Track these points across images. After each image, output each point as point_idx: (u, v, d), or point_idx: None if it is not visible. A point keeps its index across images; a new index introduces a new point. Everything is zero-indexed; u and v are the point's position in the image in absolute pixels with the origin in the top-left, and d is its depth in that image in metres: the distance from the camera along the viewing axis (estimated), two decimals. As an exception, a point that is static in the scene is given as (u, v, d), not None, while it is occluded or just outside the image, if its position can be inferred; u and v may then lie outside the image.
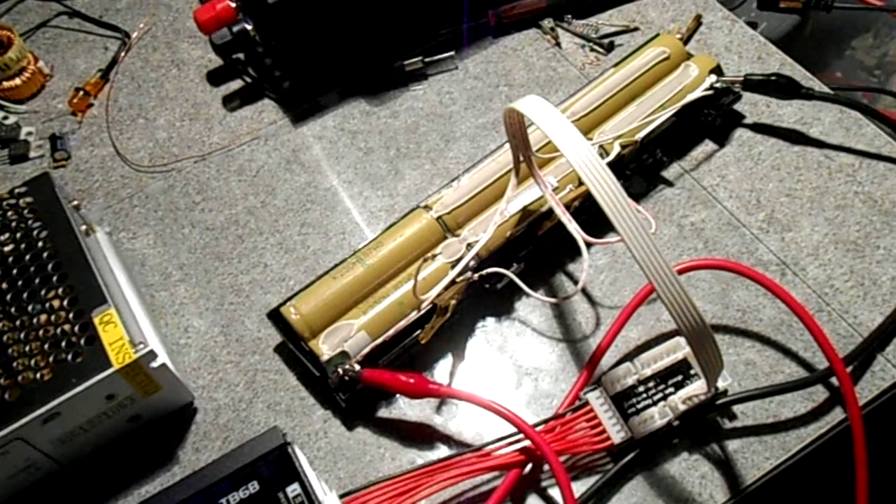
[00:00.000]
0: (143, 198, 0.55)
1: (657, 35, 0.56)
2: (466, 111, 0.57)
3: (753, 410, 0.43)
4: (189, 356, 0.48)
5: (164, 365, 0.42)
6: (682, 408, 0.41)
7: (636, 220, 0.35)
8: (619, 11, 0.61)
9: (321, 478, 0.42)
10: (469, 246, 0.46)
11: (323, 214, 0.53)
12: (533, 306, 0.48)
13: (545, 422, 0.42)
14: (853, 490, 0.40)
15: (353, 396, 0.44)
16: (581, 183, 0.47)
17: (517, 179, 0.48)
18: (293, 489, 0.38)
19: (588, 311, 0.48)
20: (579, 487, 0.41)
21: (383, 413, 0.45)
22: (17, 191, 0.47)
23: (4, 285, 0.43)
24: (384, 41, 0.59)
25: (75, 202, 0.49)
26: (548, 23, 0.61)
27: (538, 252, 0.48)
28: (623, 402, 0.42)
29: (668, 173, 0.53)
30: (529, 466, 0.42)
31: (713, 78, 0.52)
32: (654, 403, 0.42)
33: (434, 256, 0.46)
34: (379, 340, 0.44)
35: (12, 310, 0.42)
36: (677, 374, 0.43)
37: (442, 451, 0.44)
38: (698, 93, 0.51)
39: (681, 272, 0.45)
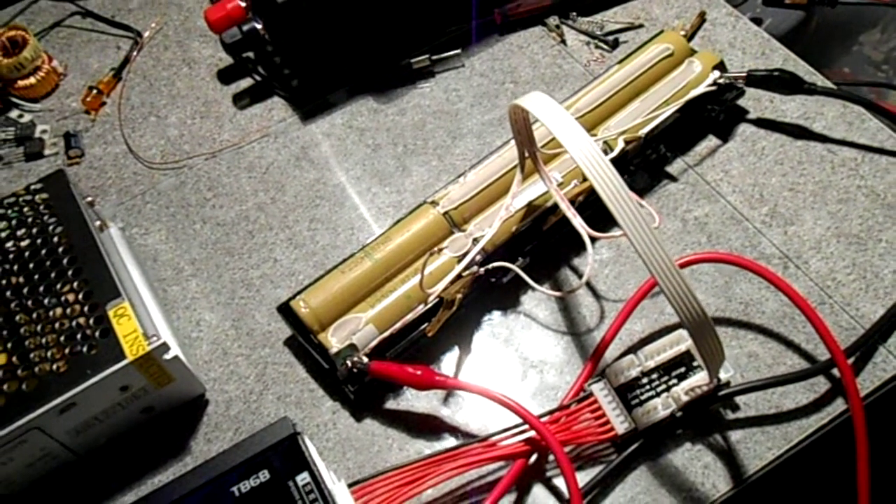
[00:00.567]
0: (156, 194, 0.56)
1: (661, 32, 0.56)
2: (473, 108, 0.58)
3: (756, 401, 0.44)
4: (201, 349, 0.49)
5: (176, 357, 0.43)
6: (685, 399, 0.42)
7: (638, 214, 0.35)
8: (623, 8, 0.62)
9: (330, 468, 0.43)
10: (475, 241, 0.47)
11: (332, 210, 0.54)
12: (538, 300, 0.49)
13: (550, 413, 0.43)
14: (854, 480, 0.40)
15: (361, 388, 0.45)
16: (585, 178, 0.48)
17: (522, 175, 0.48)
18: (303, 478, 0.39)
19: (592, 305, 0.48)
20: (583, 477, 0.42)
21: (391, 405, 0.46)
22: (32, 187, 0.48)
23: (21, 279, 0.44)
24: (391, 39, 0.60)
25: (89, 198, 0.50)
26: (553, 20, 0.61)
27: (543, 246, 0.49)
28: (627, 393, 0.43)
29: (672, 168, 0.53)
30: (534, 457, 0.42)
31: (717, 74, 0.53)
32: (658, 395, 0.43)
33: (440, 251, 0.46)
34: (386, 333, 0.45)
35: (29, 303, 0.43)
36: (680, 365, 0.43)
37: (449, 441, 0.44)
38: (702, 89, 0.52)
39: (684, 265, 0.46)
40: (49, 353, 0.41)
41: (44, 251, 0.45)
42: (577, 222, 0.47)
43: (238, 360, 0.48)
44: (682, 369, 0.43)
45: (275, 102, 0.60)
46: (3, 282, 0.44)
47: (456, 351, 0.48)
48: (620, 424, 0.42)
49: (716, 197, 0.52)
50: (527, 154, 0.47)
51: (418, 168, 0.55)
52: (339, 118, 0.58)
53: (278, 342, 0.49)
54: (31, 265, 0.45)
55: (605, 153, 0.46)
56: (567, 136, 0.37)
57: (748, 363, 0.45)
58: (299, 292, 0.47)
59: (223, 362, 0.48)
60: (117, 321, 0.42)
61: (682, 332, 0.44)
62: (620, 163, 0.50)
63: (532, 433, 0.41)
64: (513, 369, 0.47)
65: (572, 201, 0.48)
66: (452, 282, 0.45)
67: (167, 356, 0.42)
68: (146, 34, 0.64)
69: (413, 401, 0.46)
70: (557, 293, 0.49)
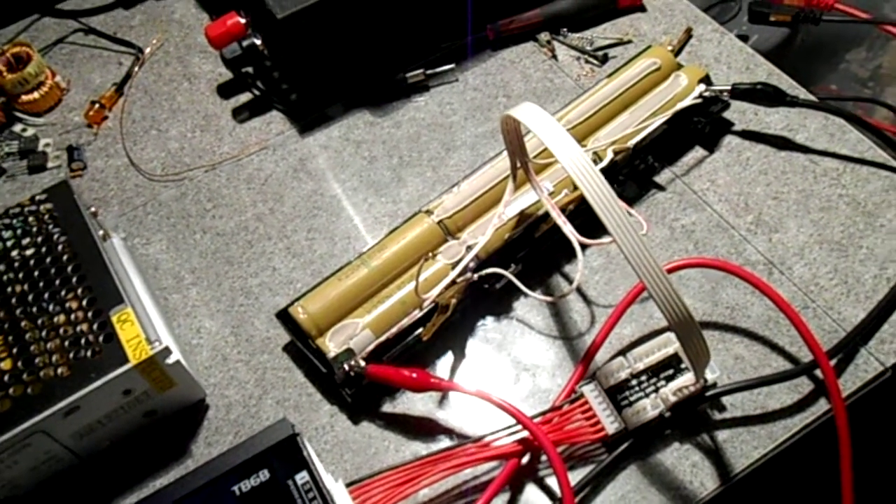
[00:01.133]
0: (157, 205, 0.57)
1: (649, 47, 0.58)
2: (466, 121, 0.59)
3: (742, 402, 0.45)
4: (201, 355, 0.50)
5: (178, 361, 0.44)
6: (673, 399, 0.43)
7: (625, 221, 0.37)
8: (612, 25, 0.64)
9: (328, 469, 0.44)
10: (469, 248, 0.48)
11: (329, 220, 0.55)
12: (530, 305, 0.50)
13: (542, 414, 0.44)
14: (838, 478, 0.42)
15: (358, 392, 0.46)
16: (576, 188, 0.49)
17: (515, 184, 0.50)
18: (302, 476, 0.40)
19: (583, 310, 0.50)
20: (575, 476, 0.43)
21: (387, 408, 0.47)
22: (37, 198, 0.49)
23: (26, 287, 0.45)
24: (387, 54, 0.62)
25: (93, 209, 0.51)
26: (544, 36, 0.63)
27: (535, 254, 0.50)
28: (617, 394, 0.44)
29: (661, 178, 0.55)
30: (527, 457, 0.44)
31: (702, 87, 0.54)
32: (647, 395, 0.44)
33: (435, 256, 0.48)
34: (383, 338, 0.46)
35: (34, 310, 0.44)
36: (668, 368, 0.44)
37: (444, 442, 0.46)
38: (688, 101, 0.54)
39: (672, 270, 0.47)
40: (53, 358, 0.43)
41: (48, 259, 0.46)
42: (568, 230, 0.48)
43: (238, 365, 0.49)
44: (670, 371, 0.44)
45: (273, 116, 0.61)
46: (9, 289, 0.45)
47: (450, 356, 0.49)
48: (611, 425, 0.43)
49: (702, 206, 0.53)
50: (519, 164, 0.49)
51: (413, 179, 0.57)
52: (336, 131, 0.60)
53: (277, 348, 0.50)
54: (36, 273, 0.46)
55: (595, 163, 0.47)
56: (558, 145, 0.39)
57: (734, 365, 0.46)
58: (297, 299, 0.48)
59: (223, 368, 0.49)
60: (120, 326, 0.44)
61: (670, 335, 0.45)
62: (610, 173, 0.52)
63: (525, 433, 0.43)
64: (506, 373, 0.48)
65: (563, 210, 0.49)
66: (447, 287, 0.46)
67: (169, 360, 0.43)
68: (147, 50, 0.66)
69: (409, 404, 0.47)
70: (549, 298, 0.50)
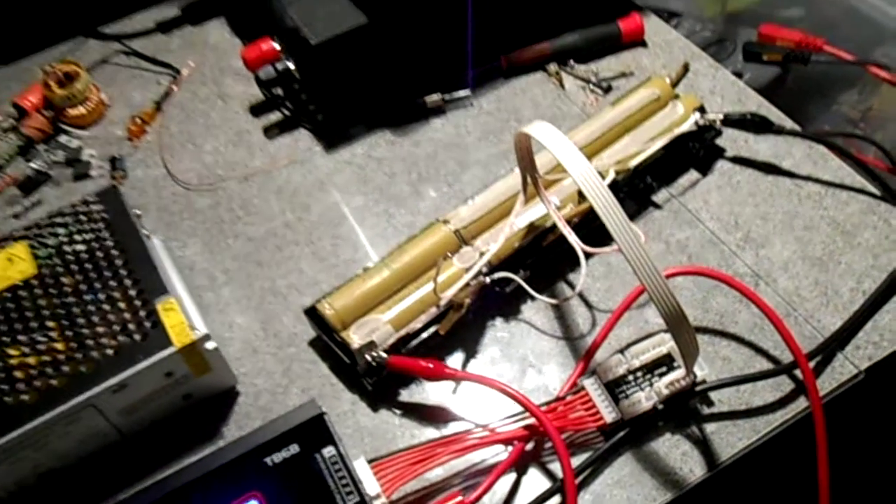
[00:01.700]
0: (192, 212, 0.62)
1: (649, 79, 0.63)
2: (480, 142, 0.64)
3: (728, 398, 0.49)
4: (233, 347, 0.54)
5: (216, 348, 0.48)
6: (666, 392, 0.47)
7: (628, 227, 0.41)
8: (616, 58, 0.69)
9: (349, 451, 0.48)
10: (482, 254, 0.53)
11: (352, 228, 0.60)
12: (537, 308, 0.54)
13: (547, 403, 0.48)
14: (815, 469, 0.46)
15: (378, 381, 0.50)
16: (581, 202, 0.54)
17: (525, 198, 0.54)
18: (329, 451, 0.44)
19: (585, 313, 0.54)
20: (575, 461, 0.47)
21: (404, 397, 0.51)
22: (88, 199, 0.54)
23: (79, 277, 0.50)
24: (408, 80, 0.67)
25: (137, 211, 0.55)
26: (553, 67, 0.68)
27: (542, 261, 0.55)
28: (614, 388, 0.48)
29: (658, 197, 0.60)
30: (532, 443, 0.48)
31: (697, 115, 0.59)
32: (642, 389, 0.48)
33: (451, 260, 0.52)
34: (402, 332, 0.50)
35: (86, 298, 0.49)
36: (661, 365, 0.49)
37: (456, 428, 0.49)
38: (684, 128, 0.59)
39: (669, 276, 0.51)
40: (104, 341, 0.47)
41: (99, 254, 0.51)
42: (573, 239, 0.53)
43: (266, 357, 0.54)
44: (664, 368, 0.49)
45: (301, 134, 0.66)
46: (64, 280, 0.50)
47: (463, 352, 0.53)
48: (609, 414, 0.48)
49: (696, 223, 0.58)
50: (529, 179, 0.54)
51: (431, 193, 0.61)
52: (360, 149, 0.65)
53: (303, 343, 0.54)
54: (88, 266, 0.50)
55: (598, 179, 0.52)
56: (568, 158, 0.43)
57: (722, 366, 0.51)
58: (323, 297, 0.52)
59: (253, 359, 0.54)
60: (165, 314, 0.48)
61: (664, 336, 0.50)
62: (611, 190, 0.56)
63: (531, 420, 0.47)
64: (514, 368, 0.52)
65: (568, 222, 0.54)
66: (462, 289, 0.51)
67: (208, 346, 0.48)
68: (184, 71, 0.71)
69: (424, 393, 0.51)
70: (554, 301, 0.54)
